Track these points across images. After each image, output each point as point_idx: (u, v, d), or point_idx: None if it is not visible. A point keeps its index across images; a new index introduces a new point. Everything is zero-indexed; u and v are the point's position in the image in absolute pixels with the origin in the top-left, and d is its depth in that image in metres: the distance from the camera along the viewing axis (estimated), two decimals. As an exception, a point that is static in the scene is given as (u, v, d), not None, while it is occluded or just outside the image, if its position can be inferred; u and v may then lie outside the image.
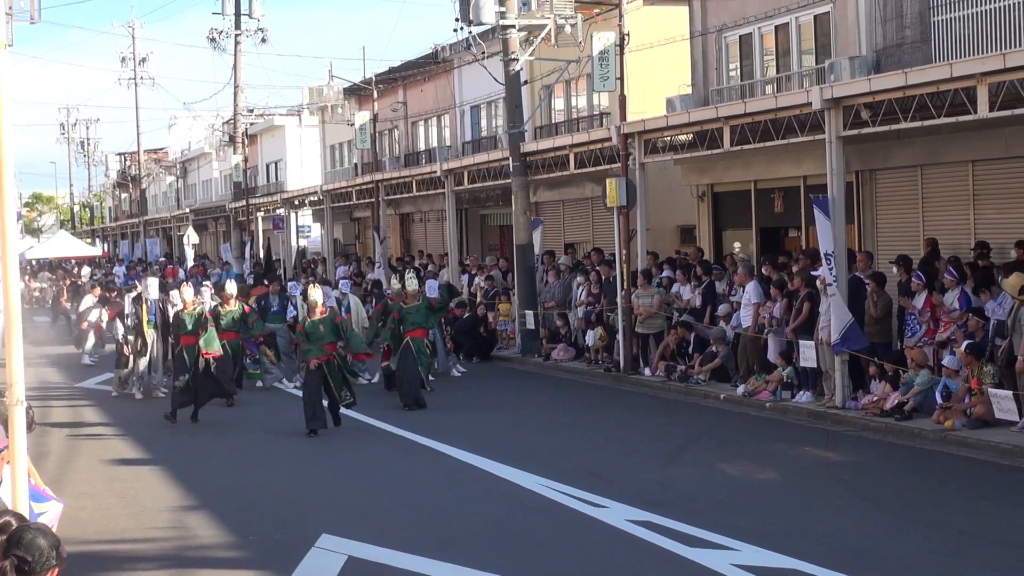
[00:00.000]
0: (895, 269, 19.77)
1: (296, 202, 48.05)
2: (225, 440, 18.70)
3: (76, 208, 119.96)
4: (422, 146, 45.70)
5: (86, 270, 64.27)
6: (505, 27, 28.77)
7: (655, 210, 27.32)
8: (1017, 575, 10.37)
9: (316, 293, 19.33)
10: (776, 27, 25.88)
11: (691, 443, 17.45)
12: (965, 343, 17.23)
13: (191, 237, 61.26)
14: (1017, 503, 13.33)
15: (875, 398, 18.53)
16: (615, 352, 25.12)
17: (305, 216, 52.74)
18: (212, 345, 20.10)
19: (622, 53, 26.02)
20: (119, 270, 56.74)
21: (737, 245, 27.25)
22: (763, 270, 22.09)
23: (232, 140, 56.81)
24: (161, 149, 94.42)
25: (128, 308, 24.04)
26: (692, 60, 28.32)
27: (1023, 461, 15.15)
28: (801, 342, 19.73)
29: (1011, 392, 16.02)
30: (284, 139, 62.24)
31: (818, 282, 19.57)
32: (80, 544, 12.22)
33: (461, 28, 29.74)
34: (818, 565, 10.51)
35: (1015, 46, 19.03)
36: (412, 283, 22.23)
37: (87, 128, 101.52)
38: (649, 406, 21.40)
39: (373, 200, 39.82)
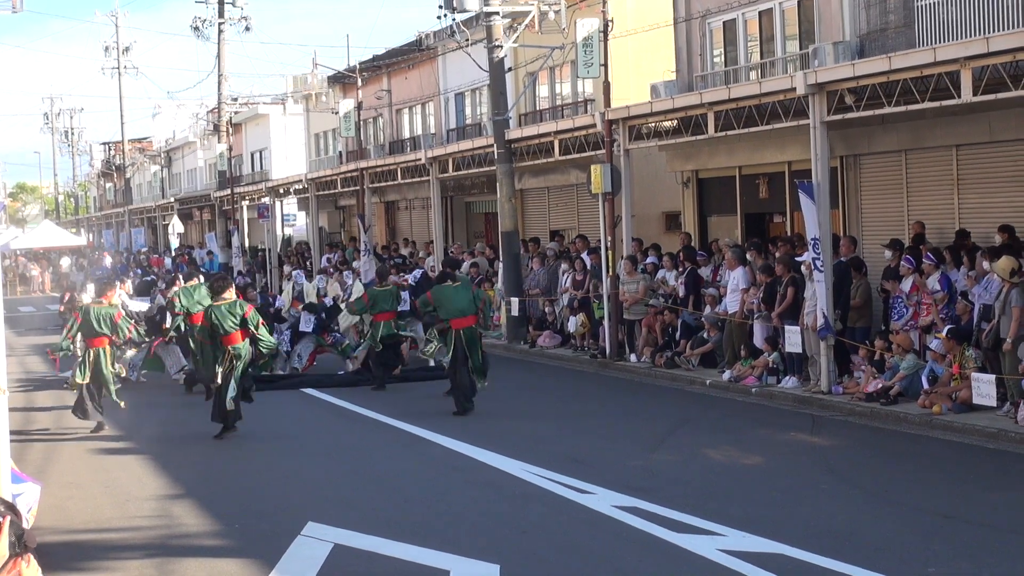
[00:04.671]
0: (888, 253, 19.78)
1: (281, 191, 47.94)
2: (210, 430, 18.64)
3: (61, 198, 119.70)
4: (407, 134, 45.61)
5: (66, 260, 64.19)
6: (489, 14, 28.72)
7: (640, 196, 27.32)
8: (1001, 558, 10.39)
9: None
10: (760, 13, 25.88)
11: (677, 429, 17.47)
12: (947, 328, 17.28)
13: (176, 226, 61.15)
14: (1001, 487, 13.37)
15: (861, 376, 18.58)
16: (601, 338, 25.15)
17: (290, 205, 52.69)
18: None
19: (606, 39, 26.00)
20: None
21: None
22: (747, 256, 22.11)
23: (216, 129, 56.70)
24: (145, 138, 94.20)
25: None
26: (676, 46, 28.31)
27: (1008, 444, 15.21)
28: (787, 327, 19.76)
29: (993, 376, 16.05)
30: (269, 128, 62.07)
31: (803, 267, 19.60)
32: (66, 533, 12.23)
33: (445, 15, 29.65)
34: (803, 549, 10.54)
35: (998, 30, 19.05)
36: None
37: (71, 118, 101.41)
38: (635, 392, 21.42)
39: (358, 188, 39.75)
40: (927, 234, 20.56)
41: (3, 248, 67.96)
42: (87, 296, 26.99)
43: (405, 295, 24.72)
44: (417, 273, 28.23)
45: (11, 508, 4.94)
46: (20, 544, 4.78)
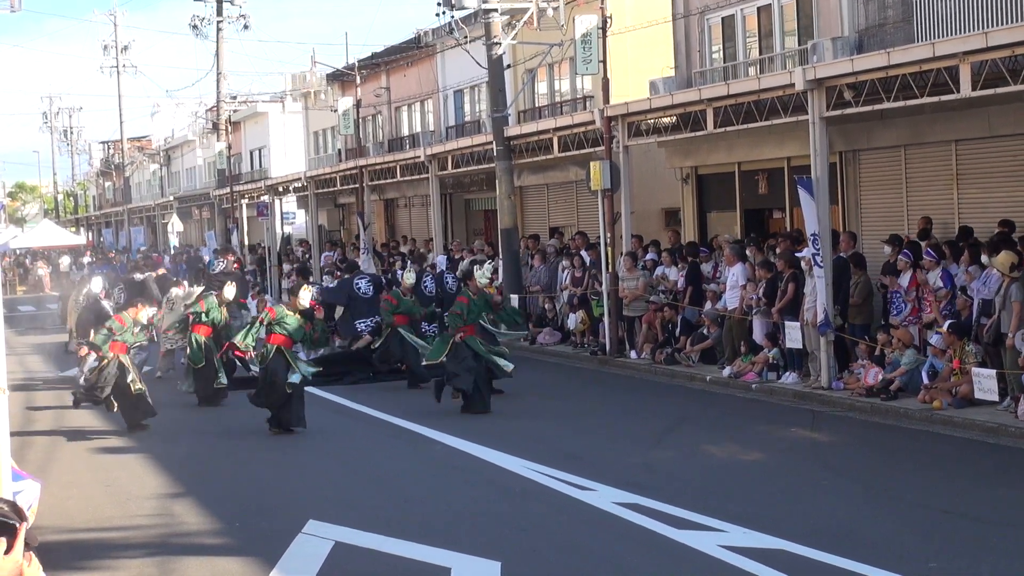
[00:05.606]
0: (887, 248, 19.78)
1: (280, 189, 47.92)
2: (210, 428, 18.66)
3: (60, 197, 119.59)
4: (406, 131, 45.59)
5: (65, 259, 64.15)
6: (487, 11, 28.70)
7: (639, 193, 27.31)
8: (998, 552, 10.39)
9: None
10: (758, 8, 25.86)
11: (677, 425, 17.47)
12: (948, 323, 17.28)
13: (175, 225, 61.10)
14: (1000, 482, 13.36)
15: (861, 372, 18.59)
16: (601, 335, 25.14)
17: (289, 203, 52.64)
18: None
19: (605, 36, 25.97)
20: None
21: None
22: (747, 251, 22.11)
23: (215, 127, 56.67)
24: (144, 137, 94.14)
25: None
26: (675, 42, 28.28)
27: (1008, 440, 15.20)
28: (787, 323, 19.76)
29: (994, 371, 16.05)
30: (267, 126, 62.03)
31: (803, 263, 19.59)
32: (66, 532, 12.22)
33: (443, 12, 29.67)
34: (804, 545, 10.54)
35: (997, 25, 19.03)
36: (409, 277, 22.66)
37: (70, 117, 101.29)
38: (635, 389, 21.41)
39: (357, 186, 39.73)
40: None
41: (3, 247, 67.98)
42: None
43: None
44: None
45: (18, 511, 4.90)
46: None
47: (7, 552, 4.46)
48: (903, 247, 19.30)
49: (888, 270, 19.50)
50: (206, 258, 51.54)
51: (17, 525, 4.56)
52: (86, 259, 62.66)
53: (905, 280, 18.81)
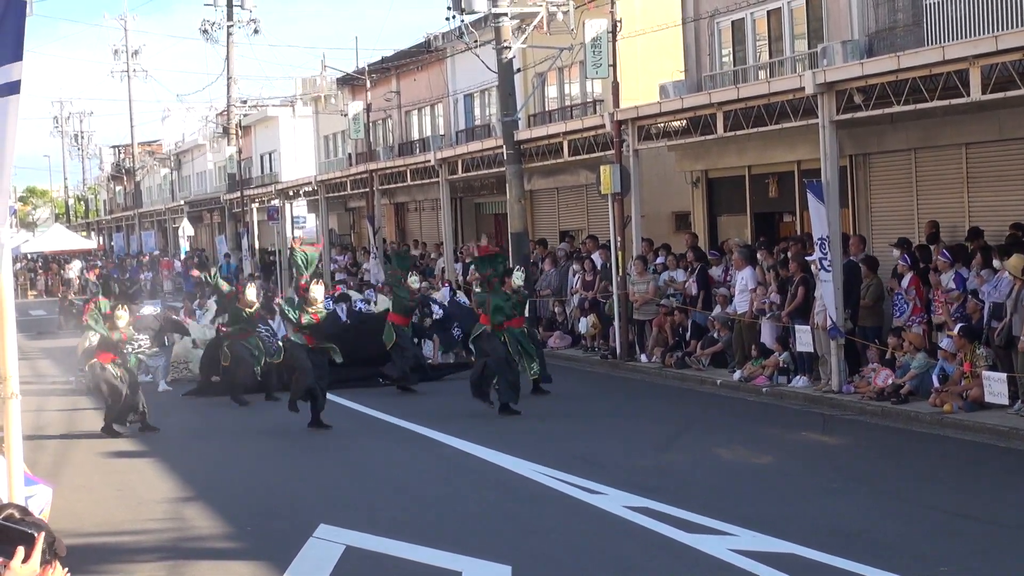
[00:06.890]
0: (896, 252, 19.77)
1: (291, 193, 48.00)
2: (221, 432, 18.69)
3: (71, 201, 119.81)
4: (416, 135, 45.63)
5: (76, 263, 64.26)
6: (497, 15, 28.74)
7: (649, 197, 27.30)
8: (1008, 555, 10.38)
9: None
10: (768, 12, 25.86)
11: (688, 429, 17.46)
12: (959, 326, 17.25)
13: (186, 229, 61.23)
14: (1011, 484, 13.35)
15: (870, 371, 18.57)
16: (611, 339, 25.15)
17: (300, 207, 52.76)
18: None
19: (615, 40, 26.02)
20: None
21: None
22: (758, 255, 22.10)
23: (226, 132, 56.77)
24: (155, 141, 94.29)
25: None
26: (685, 46, 28.29)
27: (1019, 443, 15.18)
28: (797, 327, 19.74)
29: (1005, 375, 16.03)
30: (278, 130, 62.13)
31: (812, 267, 19.59)
32: (77, 536, 12.22)
33: (453, 17, 29.72)
34: (815, 549, 10.52)
35: (1007, 28, 19.02)
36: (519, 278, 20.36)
37: (81, 121, 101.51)
38: (645, 392, 21.42)
39: (368, 190, 39.78)
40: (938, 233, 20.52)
41: (15, 251, 68.14)
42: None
43: (435, 308, 25.11)
44: (446, 292, 27.93)
45: (38, 520, 4.91)
46: (51, 552, 4.79)
47: (24, 561, 4.50)
48: (908, 251, 19.30)
49: (896, 274, 19.50)
50: (223, 261, 51.52)
51: (35, 535, 4.59)
52: (96, 263, 62.80)
53: (905, 282, 18.82)
